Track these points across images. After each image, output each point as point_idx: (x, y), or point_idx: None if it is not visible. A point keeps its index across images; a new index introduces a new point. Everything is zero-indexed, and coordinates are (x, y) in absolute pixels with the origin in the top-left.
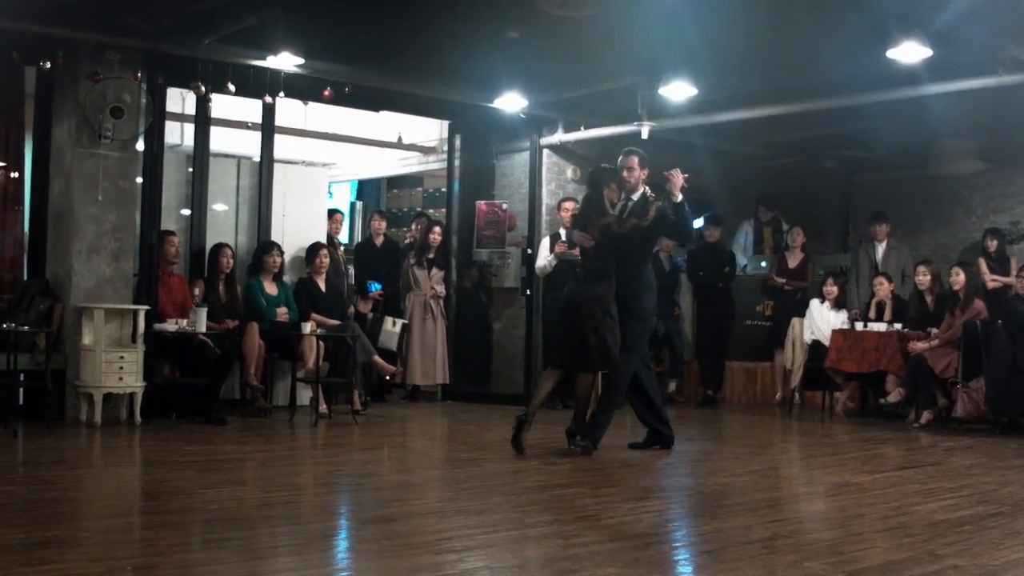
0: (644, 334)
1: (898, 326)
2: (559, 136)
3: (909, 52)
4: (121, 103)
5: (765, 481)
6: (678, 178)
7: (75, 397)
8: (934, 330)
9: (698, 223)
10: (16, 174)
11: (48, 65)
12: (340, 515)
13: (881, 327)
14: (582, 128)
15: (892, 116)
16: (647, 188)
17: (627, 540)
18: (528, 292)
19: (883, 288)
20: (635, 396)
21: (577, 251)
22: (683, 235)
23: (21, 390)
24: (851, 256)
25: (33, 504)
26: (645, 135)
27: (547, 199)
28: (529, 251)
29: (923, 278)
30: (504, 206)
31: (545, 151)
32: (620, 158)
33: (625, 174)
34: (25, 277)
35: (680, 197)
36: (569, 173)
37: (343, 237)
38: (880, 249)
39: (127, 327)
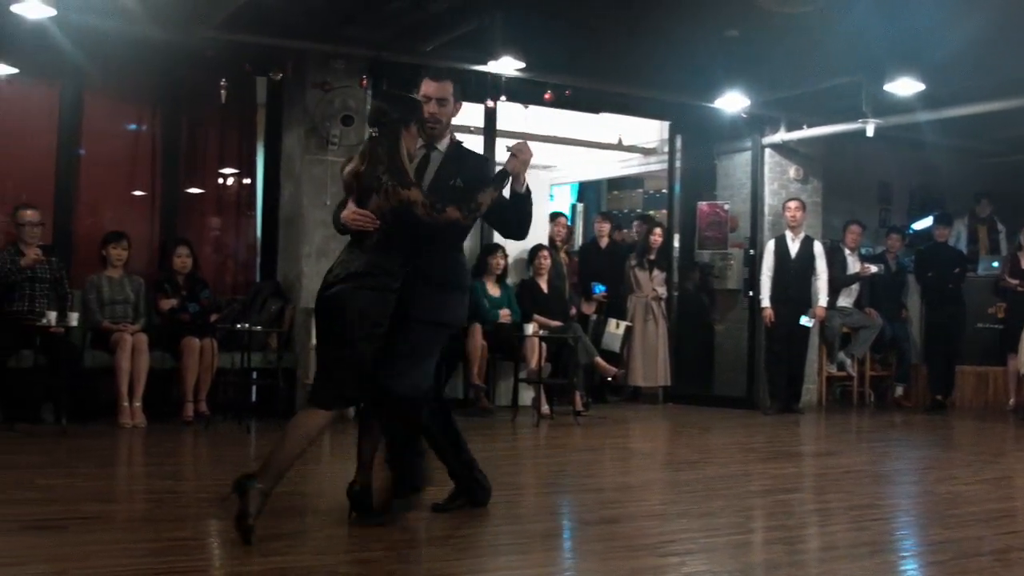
0: (438, 346)
1: None
2: (781, 135)
3: None
4: (349, 111)
5: (998, 491)
6: (528, 155)
7: (305, 395)
8: None
9: (927, 222)
10: (248, 180)
11: (278, 76)
12: (562, 515)
13: None
14: (805, 127)
15: None
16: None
17: (853, 548)
18: (751, 293)
19: None
20: (440, 436)
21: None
22: (519, 233)
23: (254, 387)
24: None
25: (278, 497)
26: (870, 132)
27: (769, 199)
28: (751, 252)
29: None
30: (726, 207)
31: (767, 151)
32: (425, 84)
33: (434, 109)
34: (257, 279)
35: (526, 184)
36: (792, 172)
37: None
38: None
39: None
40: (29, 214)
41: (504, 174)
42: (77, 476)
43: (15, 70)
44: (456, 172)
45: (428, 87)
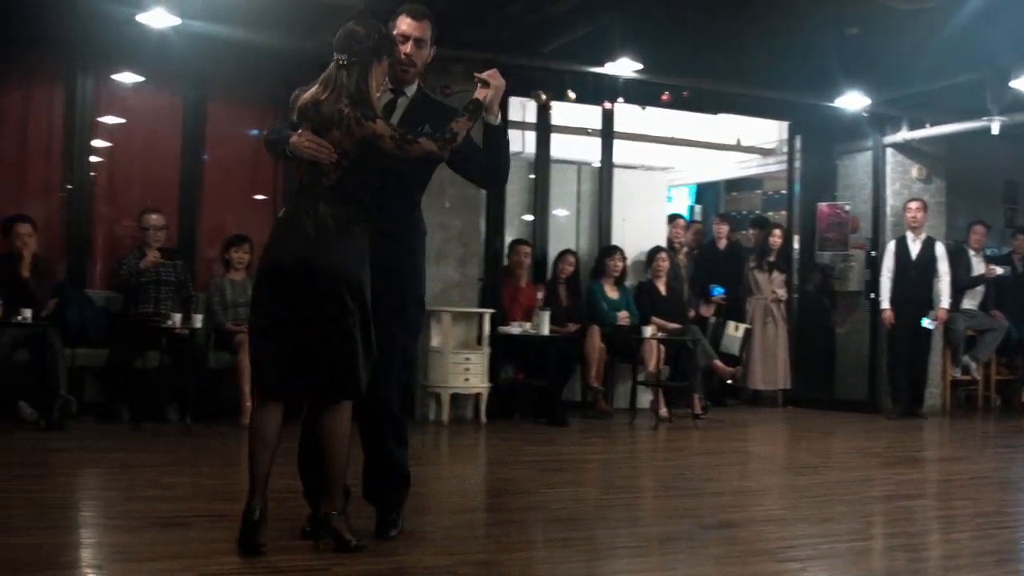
0: (421, 328)
1: None
2: (903, 134)
3: None
4: None
5: None
6: (500, 81)
7: (424, 397)
8: None
9: None
10: None
11: None
12: (680, 519)
13: None
14: (927, 125)
15: None
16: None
17: (977, 557)
18: (872, 295)
19: None
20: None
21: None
22: (496, 178)
23: None
24: None
25: None
26: (996, 130)
27: (891, 200)
28: (873, 253)
29: None
30: (847, 208)
31: (889, 150)
32: (402, 21)
33: (410, 49)
34: None
35: (499, 117)
36: (914, 172)
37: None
38: None
39: (473, 330)
40: (154, 218)
41: (476, 103)
42: (201, 475)
43: (141, 78)
44: (424, 120)
45: (405, 24)
